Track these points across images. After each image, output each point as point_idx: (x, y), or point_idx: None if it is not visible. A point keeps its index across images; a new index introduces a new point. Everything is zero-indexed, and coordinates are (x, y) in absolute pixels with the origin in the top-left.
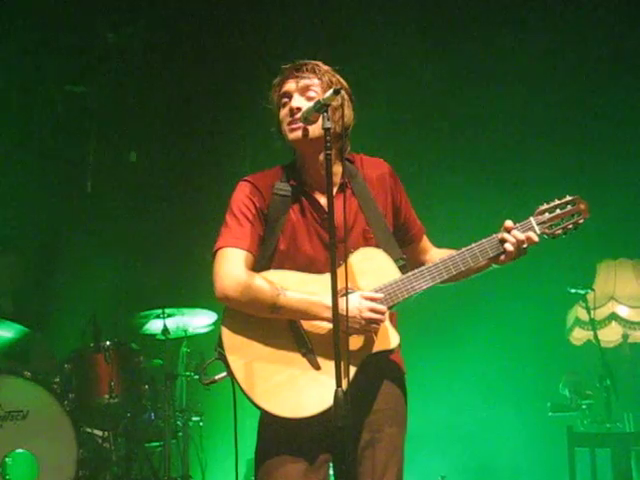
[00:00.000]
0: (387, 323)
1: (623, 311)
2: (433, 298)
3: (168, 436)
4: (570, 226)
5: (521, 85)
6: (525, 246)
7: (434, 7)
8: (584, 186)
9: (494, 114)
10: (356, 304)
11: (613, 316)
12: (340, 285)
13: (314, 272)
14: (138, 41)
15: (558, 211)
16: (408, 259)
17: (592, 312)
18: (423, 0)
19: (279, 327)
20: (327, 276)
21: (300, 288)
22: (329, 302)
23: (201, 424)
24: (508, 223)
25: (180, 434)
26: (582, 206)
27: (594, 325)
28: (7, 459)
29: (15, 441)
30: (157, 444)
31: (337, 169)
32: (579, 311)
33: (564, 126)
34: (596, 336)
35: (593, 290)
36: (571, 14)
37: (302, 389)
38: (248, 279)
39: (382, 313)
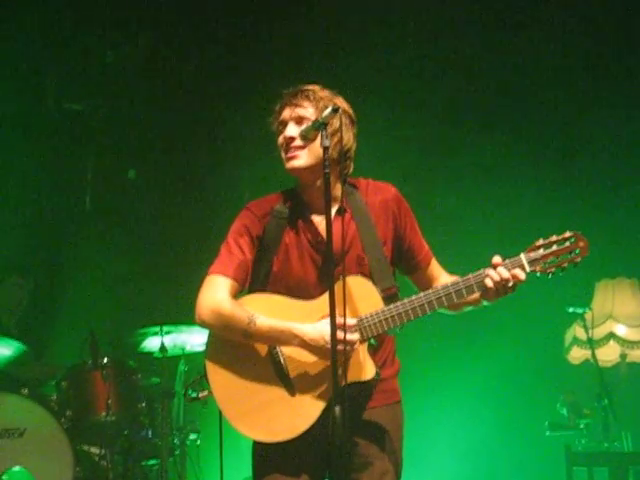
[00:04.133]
0: (364, 355)
1: (621, 330)
2: (432, 316)
3: (165, 454)
4: (565, 264)
5: (522, 101)
6: (511, 284)
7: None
8: (583, 205)
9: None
10: (323, 332)
11: (611, 335)
12: (323, 312)
13: (304, 294)
14: (137, 59)
15: (555, 247)
16: (417, 286)
17: (590, 331)
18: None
19: (260, 351)
20: (313, 303)
21: (281, 314)
22: (298, 330)
23: (198, 442)
24: (496, 259)
25: (177, 452)
26: (582, 244)
27: (592, 344)
28: (4, 477)
29: (12, 459)
30: (154, 462)
31: (337, 192)
32: (577, 330)
33: (563, 145)
34: (594, 355)
35: (591, 309)
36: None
37: (275, 414)
38: (224, 306)
39: (351, 344)
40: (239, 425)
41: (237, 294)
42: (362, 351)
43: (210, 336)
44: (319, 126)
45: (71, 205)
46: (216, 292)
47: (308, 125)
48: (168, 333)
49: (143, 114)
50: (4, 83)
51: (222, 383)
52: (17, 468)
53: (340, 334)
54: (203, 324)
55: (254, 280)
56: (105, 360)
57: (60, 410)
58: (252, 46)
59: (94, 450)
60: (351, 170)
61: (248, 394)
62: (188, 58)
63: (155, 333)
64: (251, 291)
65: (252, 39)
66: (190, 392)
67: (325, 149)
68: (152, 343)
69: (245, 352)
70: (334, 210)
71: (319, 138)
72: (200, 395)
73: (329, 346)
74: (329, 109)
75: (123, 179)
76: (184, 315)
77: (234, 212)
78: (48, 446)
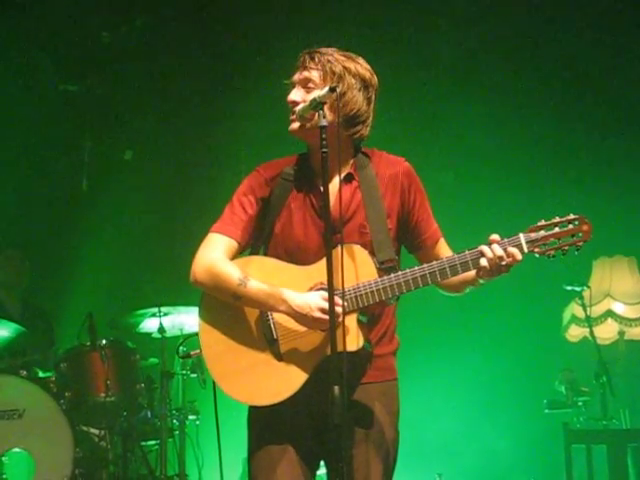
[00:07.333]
0: (353, 326)
1: (619, 308)
2: (429, 295)
3: (164, 435)
4: (566, 247)
5: (520, 77)
6: (504, 263)
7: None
8: (581, 183)
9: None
10: (310, 301)
11: (609, 313)
12: (317, 279)
13: (303, 259)
14: (133, 40)
15: (556, 229)
16: (421, 264)
17: (588, 309)
18: None
19: (251, 314)
20: (307, 269)
21: (274, 278)
22: (287, 295)
23: (197, 423)
24: (493, 236)
25: (177, 433)
26: (585, 227)
27: (590, 322)
28: (4, 458)
29: (11, 440)
30: (153, 443)
31: (347, 158)
32: (575, 308)
33: (567, 127)
34: (592, 333)
35: (589, 287)
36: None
37: (260, 378)
38: (218, 265)
39: (335, 315)
40: (223, 385)
41: (237, 254)
42: (352, 321)
43: (204, 295)
44: (316, 106)
45: (68, 186)
46: (212, 251)
47: (305, 105)
48: (166, 314)
49: (139, 95)
50: (0, 65)
51: (212, 342)
52: (17, 449)
53: (326, 304)
54: (196, 283)
55: (255, 241)
56: (104, 341)
57: (59, 391)
58: (252, 23)
59: (93, 431)
60: (365, 134)
61: (236, 355)
62: (184, 38)
63: (153, 314)
64: (253, 251)
65: (252, 18)
66: (183, 351)
67: (321, 129)
68: (150, 324)
69: (237, 314)
70: (342, 175)
71: (316, 117)
72: (192, 353)
73: (313, 314)
74: (326, 89)
75: (120, 160)
76: (182, 296)
77: (232, 191)
78: (47, 427)
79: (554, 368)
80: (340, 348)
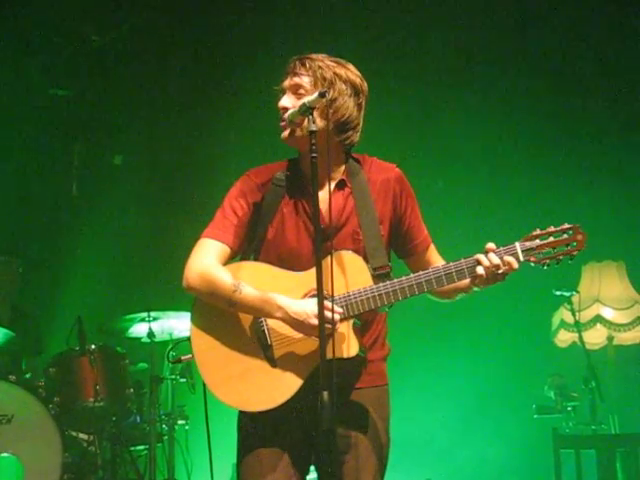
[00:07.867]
0: (349, 332)
1: (608, 313)
2: (419, 301)
3: (154, 440)
4: (561, 256)
5: (512, 85)
6: (501, 271)
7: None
8: (571, 189)
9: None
10: (307, 308)
11: (598, 318)
12: (311, 286)
13: (295, 265)
14: (123, 44)
15: (551, 239)
16: (412, 272)
17: (577, 314)
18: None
19: (245, 319)
20: (301, 275)
21: (267, 284)
22: (282, 301)
23: (187, 427)
24: (489, 245)
25: (166, 438)
26: (579, 237)
27: (579, 327)
28: None
29: (0, 445)
30: (143, 448)
31: (339, 164)
32: (564, 313)
33: (555, 134)
34: (581, 338)
35: (578, 292)
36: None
37: (254, 384)
38: (212, 271)
39: (330, 323)
40: (217, 391)
41: (229, 259)
42: (347, 328)
43: (196, 300)
44: (305, 111)
45: (57, 191)
46: (205, 256)
47: (294, 110)
48: (156, 319)
49: (129, 99)
50: None
51: (204, 348)
52: (5, 454)
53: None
54: (189, 288)
55: (247, 246)
56: (93, 346)
57: (48, 396)
58: (242, 25)
59: (82, 436)
60: (355, 140)
61: (229, 361)
62: (174, 43)
63: (143, 319)
64: (244, 257)
65: (241, 19)
66: (173, 356)
67: (311, 134)
68: (140, 329)
69: (230, 319)
70: (334, 183)
71: (306, 122)
72: (183, 358)
73: (310, 321)
74: (316, 94)
75: (109, 165)
76: (172, 301)
77: (221, 196)
78: (36, 432)
79: (543, 373)
80: (332, 355)
